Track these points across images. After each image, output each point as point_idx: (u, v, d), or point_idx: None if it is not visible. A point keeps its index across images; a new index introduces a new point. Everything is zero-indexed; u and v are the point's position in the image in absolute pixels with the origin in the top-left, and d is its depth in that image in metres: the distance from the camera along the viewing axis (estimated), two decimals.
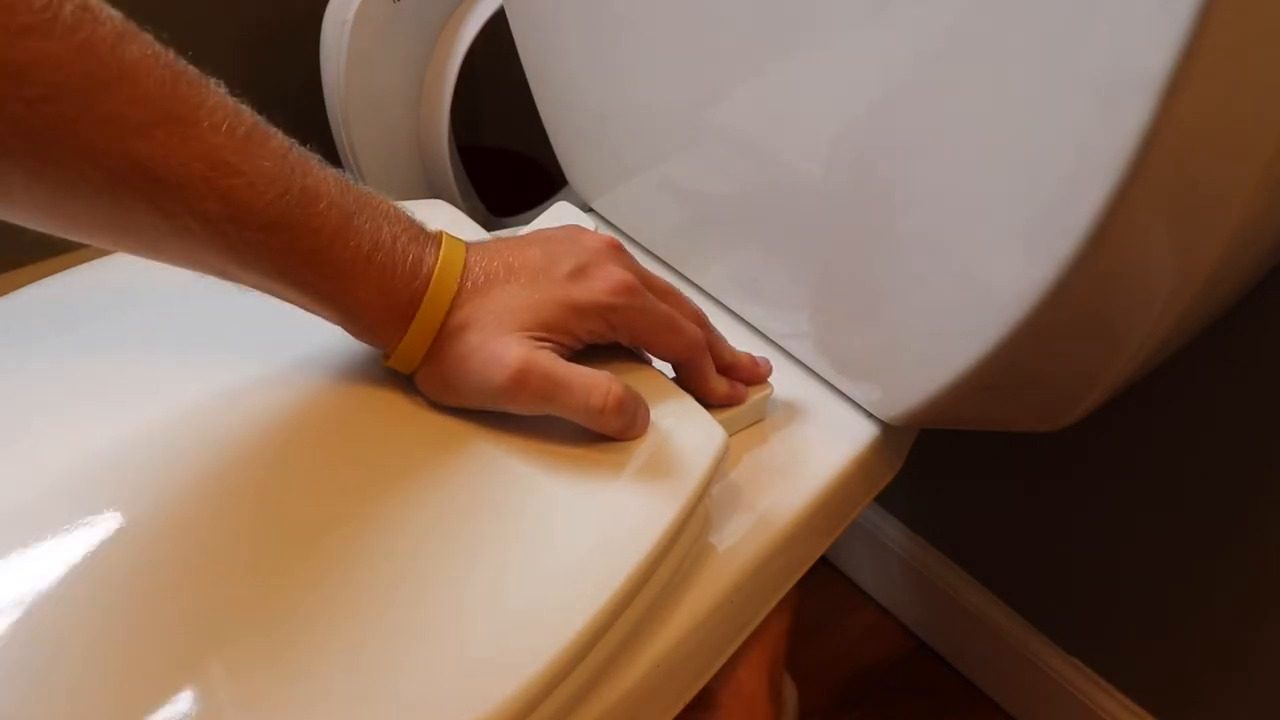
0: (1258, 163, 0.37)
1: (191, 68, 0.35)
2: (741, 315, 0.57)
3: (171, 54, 0.35)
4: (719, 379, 0.46)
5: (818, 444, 0.50)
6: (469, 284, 0.40)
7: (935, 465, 0.76)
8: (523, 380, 0.39)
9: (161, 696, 0.32)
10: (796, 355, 0.54)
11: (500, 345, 0.39)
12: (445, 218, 0.53)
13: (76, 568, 0.35)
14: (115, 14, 0.34)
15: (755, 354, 0.49)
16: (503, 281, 0.40)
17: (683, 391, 0.44)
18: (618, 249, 0.43)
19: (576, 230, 0.44)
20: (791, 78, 0.45)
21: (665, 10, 0.50)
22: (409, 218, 0.40)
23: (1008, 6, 0.36)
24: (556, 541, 0.37)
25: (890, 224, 0.45)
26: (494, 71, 0.96)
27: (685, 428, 0.42)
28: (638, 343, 0.44)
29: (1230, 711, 0.66)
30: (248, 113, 0.36)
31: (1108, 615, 0.70)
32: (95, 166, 0.33)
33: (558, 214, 0.60)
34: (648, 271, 0.44)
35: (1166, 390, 0.60)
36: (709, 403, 0.46)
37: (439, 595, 0.35)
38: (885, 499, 0.81)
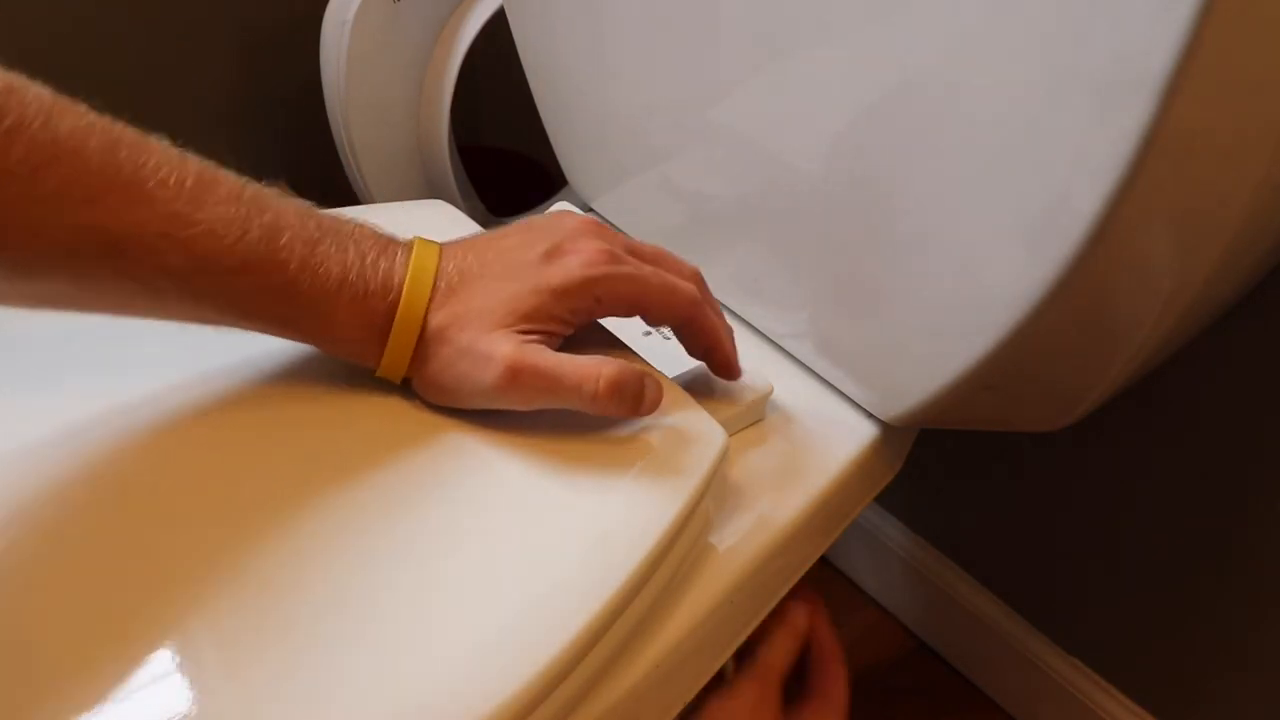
0: (1258, 163, 0.37)
1: (129, 129, 0.35)
2: (742, 315, 0.57)
3: (106, 119, 0.35)
4: (729, 336, 0.45)
5: (818, 444, 0.50)
6: (443, 285, 0.40)
7: (935, 465, 0.76)
8: (514, 377, 0.38)
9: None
10: (796, 355, 0.54)
11: (487, 344, 0.38)
12: (445, 218, 0.53)
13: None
14: (43, 91, 0.34)
15: (749, 358, 0.48)
16: (478, 277, 0.40)
17: (683, 391, 0.44)
18: (596, 226, 0.42)
19: (558, 215, 0.43)
20: (791, 78, 0.45)
21: (665, 10, 0.50)
22: (376, 233, 0.40)
23: (1007, 6, 0.36)
24: (555, 541, 0.37)
25: (890, 224, 0.44)
26: (494, 71, 0.96)
27: (685, 428, 0.42)
28: (634, 311, 0.42)
29: (1230, 711, 0.66)
30: (194, 160, 0.36)
31: (1108, 615, 0.70)
32: (50, 243, 0.33)
33: None
34: (633, 240, 0.43)
35: (1166, 390, 0.60)
36: (722, 360, 0.45)
37: (435, 593, 0.35)
38: (885, 499, 0.81)
